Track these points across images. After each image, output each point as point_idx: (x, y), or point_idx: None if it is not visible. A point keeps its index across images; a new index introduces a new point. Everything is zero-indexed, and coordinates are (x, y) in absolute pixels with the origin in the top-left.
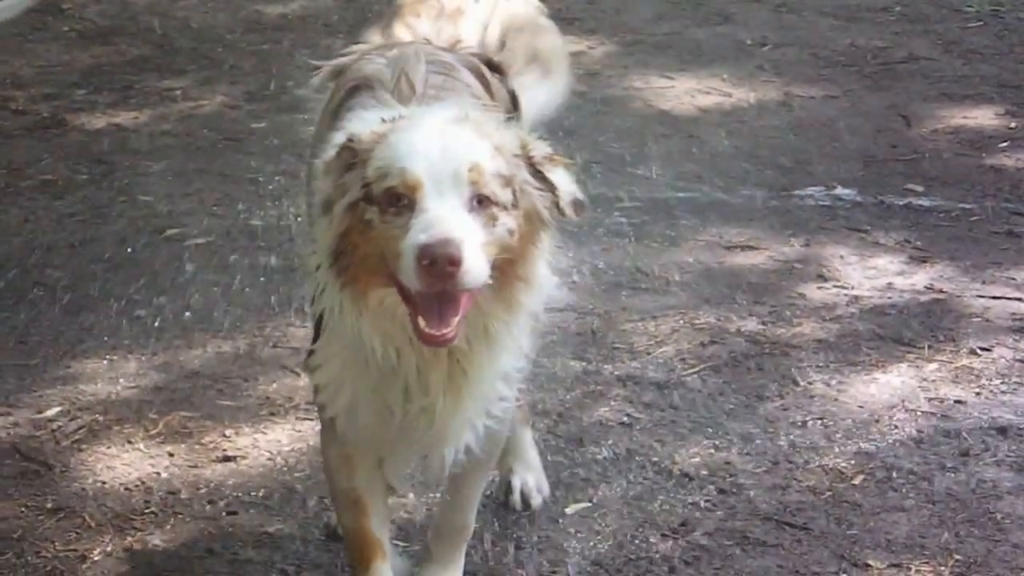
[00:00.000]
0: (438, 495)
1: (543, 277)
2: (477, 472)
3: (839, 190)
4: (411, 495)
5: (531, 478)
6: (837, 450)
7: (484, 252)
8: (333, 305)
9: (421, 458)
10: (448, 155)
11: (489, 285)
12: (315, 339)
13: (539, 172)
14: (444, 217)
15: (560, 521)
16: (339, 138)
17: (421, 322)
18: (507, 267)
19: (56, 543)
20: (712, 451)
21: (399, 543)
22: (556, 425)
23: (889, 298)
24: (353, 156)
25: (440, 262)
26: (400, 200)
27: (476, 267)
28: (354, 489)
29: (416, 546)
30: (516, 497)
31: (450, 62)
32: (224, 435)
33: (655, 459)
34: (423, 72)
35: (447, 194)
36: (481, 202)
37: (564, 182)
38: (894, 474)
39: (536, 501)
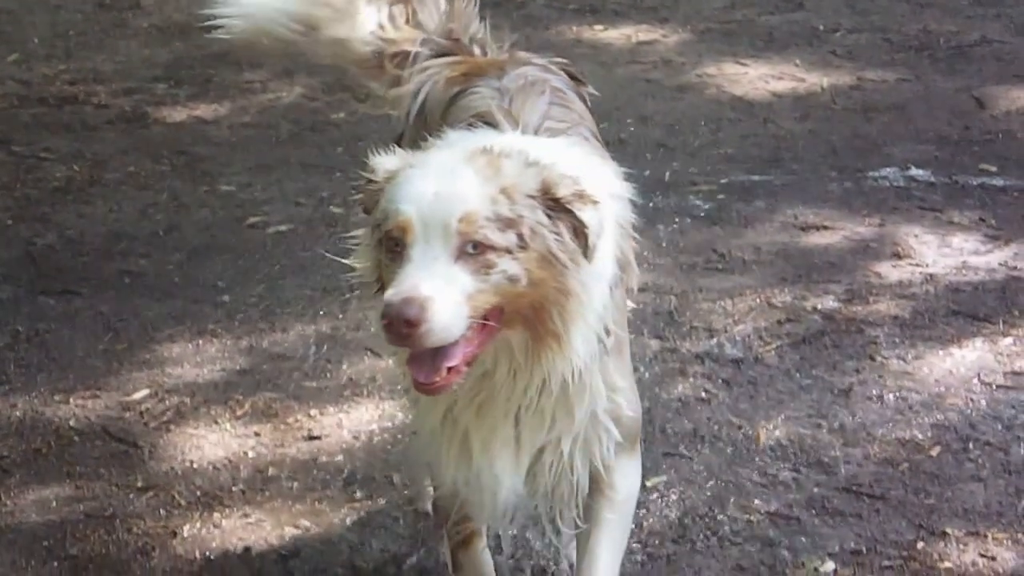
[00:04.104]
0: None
1: (586, 326)
2: (601, 533)
3: (913, 171)
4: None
5: None
6: (914, 423)
7: (469, 303)
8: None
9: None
10: (440, 201)
11: (521, 332)
12: None
13: (568, 211)
14: (413, 273)
15: (640, 495)
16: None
17: (410, 368)
18: (534, 314)
19: (147, 520)
20: (790, 425)
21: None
22: None
23: (964, 275)
24: (374, 187)
25: (396, 323)
26: (397, 244)
27: (443, 324)
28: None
29: None
30: None
31: (562, 88)
32: (309, 415)
33: (733, 433)
34: (543, 105)
35: (434, 242)
36: (476, 247)
37: (591, 221)
38: (971, 445)
39: None
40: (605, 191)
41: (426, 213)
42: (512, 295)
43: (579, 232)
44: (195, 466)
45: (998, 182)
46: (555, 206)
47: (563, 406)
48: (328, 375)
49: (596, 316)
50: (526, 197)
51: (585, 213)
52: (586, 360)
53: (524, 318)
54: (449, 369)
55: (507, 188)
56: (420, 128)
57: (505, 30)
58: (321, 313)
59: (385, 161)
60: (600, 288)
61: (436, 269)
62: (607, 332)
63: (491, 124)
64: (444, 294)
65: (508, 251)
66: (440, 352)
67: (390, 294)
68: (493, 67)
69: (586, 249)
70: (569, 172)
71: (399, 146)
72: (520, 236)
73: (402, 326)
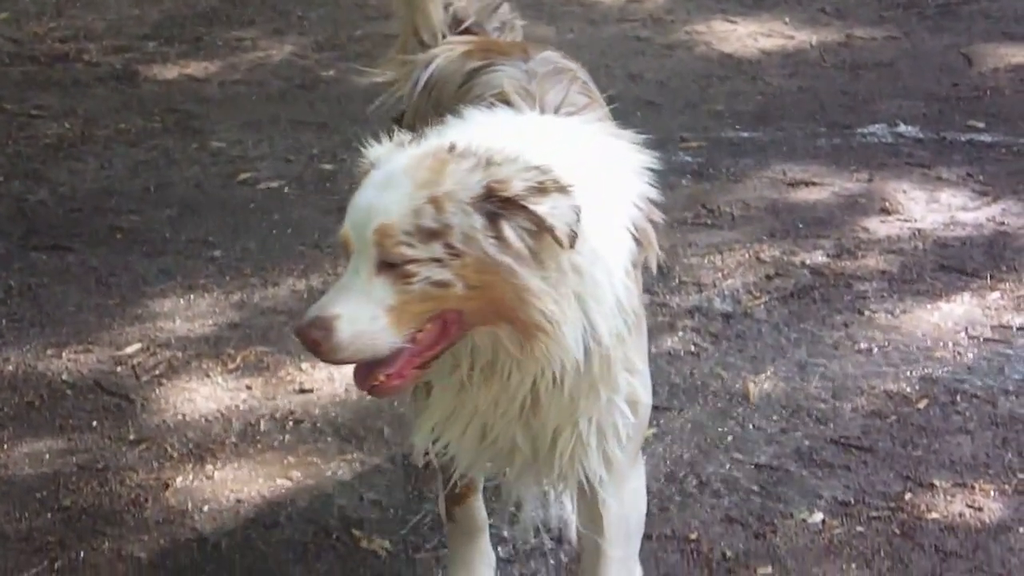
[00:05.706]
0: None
1: (585, 313)
2: (604, 550)
3: (901, 127)
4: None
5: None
6: (902, 376)
7: (392, 314)
8: None
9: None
10: (368, 213)
11: (505, 327)
12: None
13: (523, 207)
14: (334, 289)
15: None
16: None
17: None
18: (503, 312)
19: (139, 472)
20: (778, 378)
21: None
22: None
23: (952, 231)
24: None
25: (306, 342)
26: (346, 255)
27: (349, 340)
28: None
29: None
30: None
31: (584, 79)
32: (300, 369)
33: (722, 387)
34: (564, 89)
35: (360, 254)
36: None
37: (555, 212)
38: (958, 398)
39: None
40: (619, 168)
41: (355, 226)
42: (454, 299)
43: (541, 226)
44: (187, 419)
45: (986, 138)
46: (506, 206)
47: (587, 387)
48: None
49: (612, 298)
50: (461, 204)
51: (543, 206)
52: (609, 341)
53: (496, 315)
54: (389, 375)
55: (438, 197)
56: (425, 101)
57: None
58: (311, 268)
59: (371, 152)
60: (605, 272)
61: (355, 284)
62: (633, 312)
63: (510, 104)
64: (354, 311)
65: (435, 260)
66: (376, 360)
67: (306, 312)
68: (517, 48)
69: (558, 240)
70: (535, 163)
71: (401, 120)
72: (448, 245)
73: (310, 346)
